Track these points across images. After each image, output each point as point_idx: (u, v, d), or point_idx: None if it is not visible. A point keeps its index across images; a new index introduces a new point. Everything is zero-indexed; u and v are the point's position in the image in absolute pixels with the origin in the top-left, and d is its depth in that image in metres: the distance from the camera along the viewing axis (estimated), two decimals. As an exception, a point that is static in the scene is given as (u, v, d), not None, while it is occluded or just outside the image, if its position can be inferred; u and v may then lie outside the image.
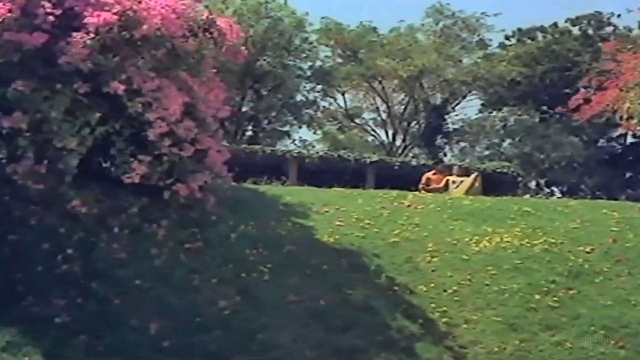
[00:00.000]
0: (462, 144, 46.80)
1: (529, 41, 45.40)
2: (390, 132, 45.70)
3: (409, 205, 14.67)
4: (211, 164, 12.56)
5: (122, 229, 11.20)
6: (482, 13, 43.20)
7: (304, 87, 47.61)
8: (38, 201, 11.13)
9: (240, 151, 27.41)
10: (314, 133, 49.19)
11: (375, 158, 27.55)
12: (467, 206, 15.17)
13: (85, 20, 9.97)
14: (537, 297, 12.37)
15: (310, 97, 48.21)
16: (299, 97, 47.73)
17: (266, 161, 24.74)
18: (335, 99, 48.68)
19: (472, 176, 18.99)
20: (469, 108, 46.66)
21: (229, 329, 9.87)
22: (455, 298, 11.86)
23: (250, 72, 44.76)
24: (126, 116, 10.79)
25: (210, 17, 11.30)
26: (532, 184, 41.84)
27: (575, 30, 43.67)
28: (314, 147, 47.62)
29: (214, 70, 11.73)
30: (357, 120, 48.97)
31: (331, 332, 10.44)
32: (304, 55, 46.10)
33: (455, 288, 12.06)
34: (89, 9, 10.06)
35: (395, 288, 11.72)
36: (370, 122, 48.01)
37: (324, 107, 48.87)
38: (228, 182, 13.05)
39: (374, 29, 45.83)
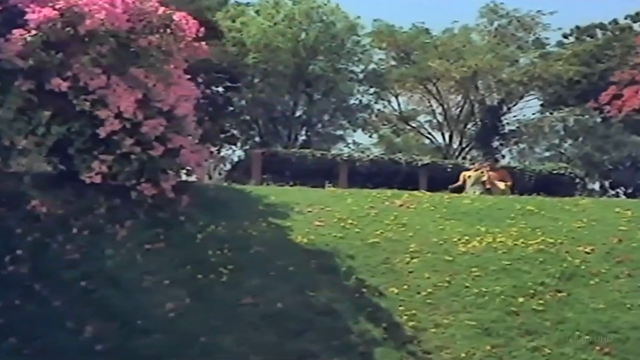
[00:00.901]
0: (522, 145, 45.78)
1: (588, 39, 44.00)
2: (446, 135, 45.04)
3: (401, 205, 14.14)
4: (184, 163, 12.39)
5: (82, 230, 11.03)
6: (538, 11, 42.10)
7: (358, 90, 47.38)
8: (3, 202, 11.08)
9: (290, 155, 27.40)
10: (370, 136, 48.82)
11: (427, 160, 26.96)
12: (465, 205, 14.56)
13: (27, 17, 9.86)
14: (521, 300, 11.69)
15: (364, 100, 48.02)
16: (352, 101, 47.53)
17: (317, 165, 24.52)
18: (389, 102, 48.24)
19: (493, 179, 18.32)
20: (528, 109, 45.41)
21: (170, 331, 9.55)
22: (429, 301, 11.29)
23: (302, 76, 44.76)
24: (87, 115, 10.66)
25: (167, 12, 11.08)
26: (596, 186, 40.48)
27: (637, 27, 42.15)
28: (368, 150, 47.02)
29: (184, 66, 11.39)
30: (413, 123, 48.39)
31: (283, 336, 10.02)
32: (356, 58, 45.90)
33: (430, 290, 11.49)
34: (32, 5, 9.96)
35: (364, 290, 11.21)
36: (426, 125, 47.36)
37: (378, 110, 48.48)
38: (201, 182, 12.85)
39: (427, 31, 45.24)
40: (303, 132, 46.89)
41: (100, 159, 11.16)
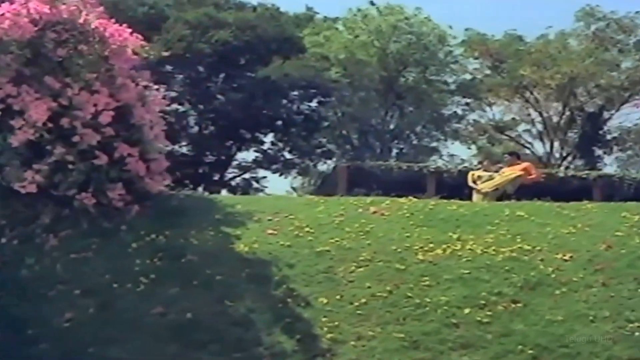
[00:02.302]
0: (626, 152, 43.67)
1: (697, 38, 41.47)
2: (547, 144, 43.50)
3: (374, 212, 13.52)
4: (134, 171, 12.33)
5: (12, 240, 11.13)
6: (637, 12, 40.07)
7: (452, 101, 46.39)
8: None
9: (375, 167, 27.19)
10: (468, 148, 47.68)
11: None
12: (447, 212, 13.75)
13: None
14: (467, 311, 10.88)
15: (459, 111, 46.94)
16: (445, 112, 46.57)
17: (403, 177, 24.20)
18: (484, 112, 46.99)
19: (511, 172, 17.16)
20: (634, 114, 43.16)
21: (60, 341, 9.43)
22: (359, 312, 10.67)
23: (393, 88, 44.30)
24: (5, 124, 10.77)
25: (86, 20, 11.03)
26: None
27: None
28: (467, 162, 45.81)
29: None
30: (511, 133, 47.00)
31: (186, 347, 9.70)
32: (448, 69, 44.98)
33: (364, 300, 10.86)
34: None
35: (289, 300, 10.73)
36: (525, 134, 45.90)
37: (473, 120, 47.29)
38: (153, 189, 12.72)
39: (520, 38, 43.90)
40: (396, 145, 46.46)
41: (34, 168, 11.20)
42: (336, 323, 10.40)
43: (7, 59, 10.35)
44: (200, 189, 44.98)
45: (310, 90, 46.15)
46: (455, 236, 12.70)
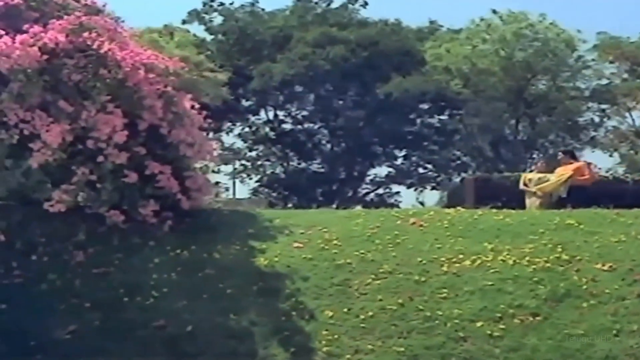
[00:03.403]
0: None
1: None
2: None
3: (413, 223, 13.18)
4: (167, 188, 12.67)
5: (42, 257, 11.67)
6: None
7: (587, 107, 44.53)
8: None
9: (504, 179, 26.77)
10: (610, 156, 45.55)
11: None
12: (490, 222, 13.21)
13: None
14: (480, 324, 10.41)
15: (595, 118, 44.96)
16: (580, 119, 44.73)
17: None
18: (624, 118, 44.77)
19: (563, 173, 16.18)
20: None
21: (56, 353, 9.75)
22: (364, 325, 10.42)
23: (521, 97, 43.09)
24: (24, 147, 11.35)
25: (100, 46, 11.44)
26: None
27: None
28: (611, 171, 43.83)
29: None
30: (654, 139, 44.50)
31: (177, 358, 9.83)
32: (579, 75, 43.24)
33: (371, 314, 10.60)
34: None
35: (294, 313, 10.63)
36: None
37: (612, 127, 45.15)
38: (186, 205, 12.97)
39: (659, 39, 41.65)
40: (528, 155, 45.04)
41: (62, 188, 11.73)
42: (336, 336, 10.21)
43: (16, 87, 10.84)
44: (334, 205, 45.55)
45: (440, 103, 45.78)
46: (490, 247, 12.20)
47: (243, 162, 50.02)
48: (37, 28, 11.22)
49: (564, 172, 16.24)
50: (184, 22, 45.61)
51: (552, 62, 41.25)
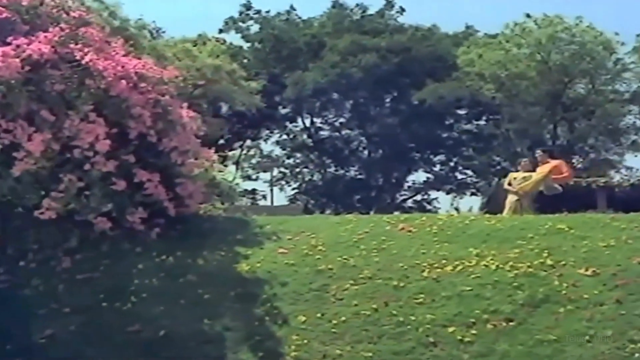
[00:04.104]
0: None
1: None
2: None
3: (401, 229, 13.16)
4: (155, 196, 12.88)
5: (30, 263, 11.96)
6: None
7: (628, 111, 43.74)
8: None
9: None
10: (659, 160, 44.67)
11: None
12: (480, 226, 13.12)
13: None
14: (451, 329, 10.35)
15: (638, 122, 44.11)
16: (619, 123, 43.94)
17: (571, 192, 23.71)
18: (667, 121, 43.85)
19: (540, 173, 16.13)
20: None
21: (31, 356, 10.00)
22: (334, 330, 10.44)
23: (559, 101, 42.49)
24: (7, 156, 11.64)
25: (82, 57, 11.67)
26: None
27: None
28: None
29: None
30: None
31: (148, 363, 10.00)
32: (619, 78, 42.50)
33: (344, 319, 10.62)
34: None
35: (267, 318, 10.71)
36: None
37: (656, 131, 44.25)
38: (172, 212, 13.14)
39: (699, 40, 40.73)
40: (567, 159, 44.34)
41: (52, 196, 11.99)
42: (306, 341, 10.26)
43: (-1, 97, 11.13)
44: (372, 212, 45.50)
45: (476, 108, 45.44)
46: (475, 252, 12.13)
47: (281, 169, 50.28)
48: (20, 40, 11.49)
49: (541, 170, 16.33)
50: (221, 30, 46.14)
51: (590, 65, 40.60)
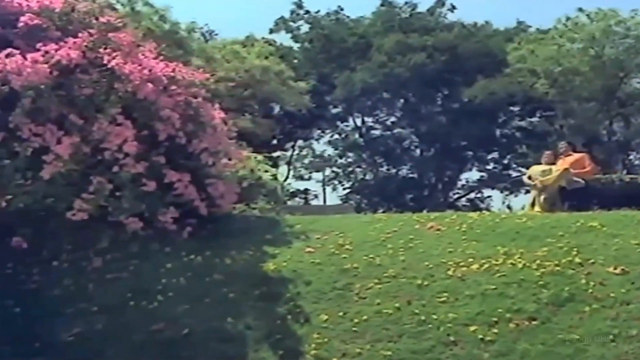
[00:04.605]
0: None
1: None
2: None
3: (430, 227, 13.12)
4: (186, 196, 13.08)
5: (63, 263, 12.23)
6: None
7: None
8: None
9: (594, 181, 26.53)
10: None
11: None
12: (510, 225, 13.01)
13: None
14: (473, 328, 10.27)
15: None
16: (678, 118, 42.89)
17: (626, 190, 23.41)
18: None
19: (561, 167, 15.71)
20: None
21: (56, 355, 10.19)
22: (356, 329, 10.44)
23: (614, 96, 41.68)
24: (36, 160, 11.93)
25: (109, 61, 11.89)
26: None
27: None
28: None
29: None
30: None
31: (169, 361, 10.15)
32: (679, 71, 41.52)
33: (365, 317, 10.61)
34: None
35: (289, 317, 10.77)
36: None
37: None
38: (204, 211, 13.29)
39: None
40: (624, 155, 43.57)
41: (83, 197, 12.26)
42: (327, 339, 10.29)
43: (27, 103, 11.37)
44: (424, 211, 45.29)
45: (529, 105, 44.85)
46: (502, 250, 12.02)
47: (334, 169, 50.36)
48: (50, 46, 11.76)
49: (563, 164, 16.00)
50: (271, 30, 46.45)
51: (646, 59, 39.80)
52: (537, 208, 15.65)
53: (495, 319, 10.43)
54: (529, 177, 16.46)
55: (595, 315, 10.31)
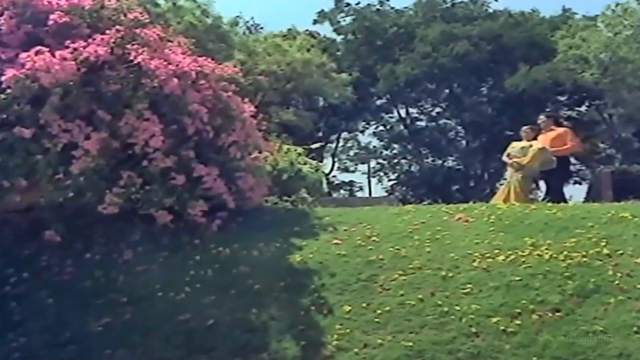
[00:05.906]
0: None
1: None
2: None
3: (459, 219, 13.08)
4: (215, 189, 13.24)
5: (95, 255, 12.48)
6: None
7: None
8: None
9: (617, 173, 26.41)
10: None
11: None
12: (540, 216, 12.92)
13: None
14: (495, 320, 10.23)
15: None
16: None
17: None
18: None
19: (536, 145, 15.07)
20: None
21: (86, 344, 10.37)
22: (378, 320, 10.47)
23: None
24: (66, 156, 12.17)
25: (135, 57, 12.04)
26: None
27: None
28: None
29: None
30: None
31: (192, 352, 10.19)
32: None
33: (388, 308, 10.63)
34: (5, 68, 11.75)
35: (312, 308, 10.84)
36: None
37: None
38: (231, 204, 13.44)
39: None
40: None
41: (113, 191, 12.48)
42: (349, 330, 10.34)
43: (56, 100, 11.59)
44: (471, 202, 45.02)
45: (578, 93, 44.22)
46: (530, 241, 11.94)
47: (379, 160, 50.32)
48: (78, 43, 11.97)
49: (544, 140, 15.36)
50: (315, 21, 46.53)
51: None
52: (506, 195, 15.18)
53: (518, 311, 10.38)
54: (508, 155, 15.80)
55: (620, 307, 10.20)
